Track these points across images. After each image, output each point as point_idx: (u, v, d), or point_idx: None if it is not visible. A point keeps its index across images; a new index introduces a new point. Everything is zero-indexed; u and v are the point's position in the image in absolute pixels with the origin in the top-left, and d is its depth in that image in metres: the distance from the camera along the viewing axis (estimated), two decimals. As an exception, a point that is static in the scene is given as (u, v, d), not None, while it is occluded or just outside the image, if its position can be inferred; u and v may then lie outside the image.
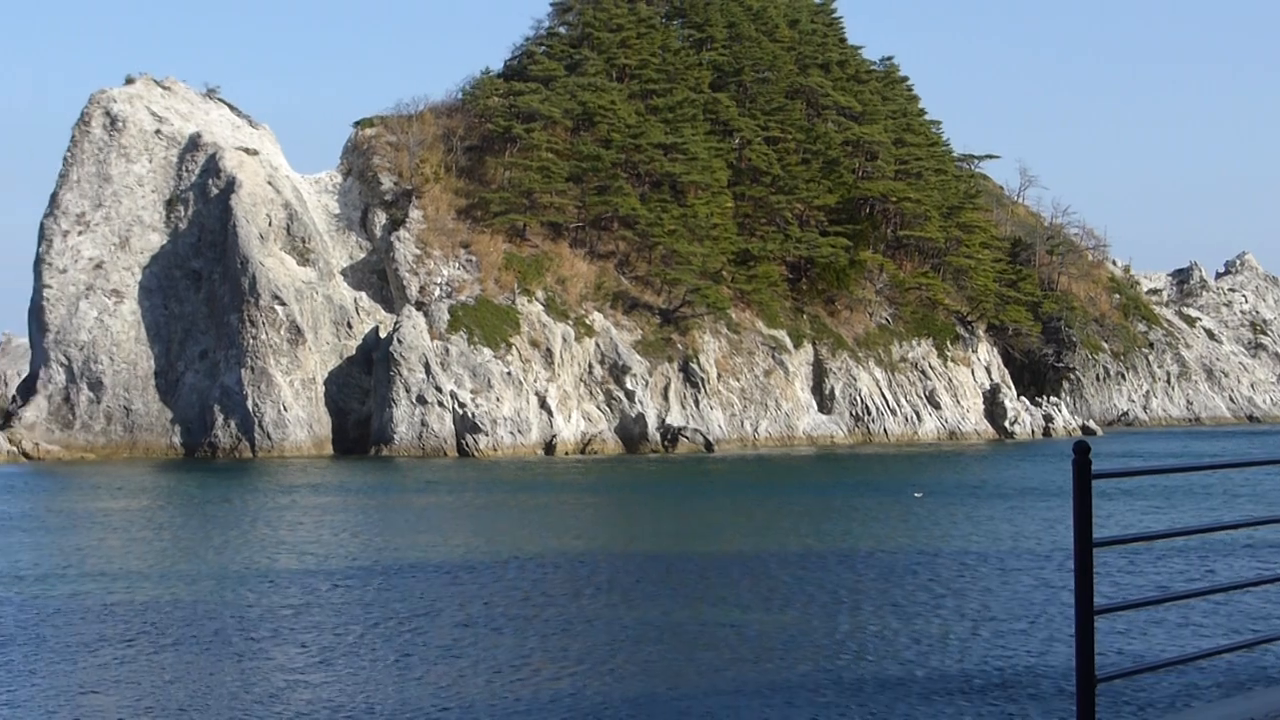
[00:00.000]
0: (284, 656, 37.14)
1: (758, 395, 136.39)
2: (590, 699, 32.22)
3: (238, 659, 36.81)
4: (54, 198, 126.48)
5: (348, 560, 54.71)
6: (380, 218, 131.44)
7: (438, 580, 49.05)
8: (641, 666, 35.51)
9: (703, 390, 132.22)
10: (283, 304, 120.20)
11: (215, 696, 33.10)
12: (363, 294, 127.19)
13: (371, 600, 45.21)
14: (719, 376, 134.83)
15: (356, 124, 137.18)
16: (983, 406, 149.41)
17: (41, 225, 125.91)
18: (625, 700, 32.12)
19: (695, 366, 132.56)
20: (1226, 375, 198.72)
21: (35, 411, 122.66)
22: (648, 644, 38.16)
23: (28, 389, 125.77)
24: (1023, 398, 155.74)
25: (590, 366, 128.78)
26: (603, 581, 48.63)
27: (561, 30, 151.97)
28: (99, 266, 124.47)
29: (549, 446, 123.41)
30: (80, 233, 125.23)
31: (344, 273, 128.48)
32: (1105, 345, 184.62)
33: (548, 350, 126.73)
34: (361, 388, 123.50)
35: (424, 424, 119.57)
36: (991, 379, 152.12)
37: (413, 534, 63.47)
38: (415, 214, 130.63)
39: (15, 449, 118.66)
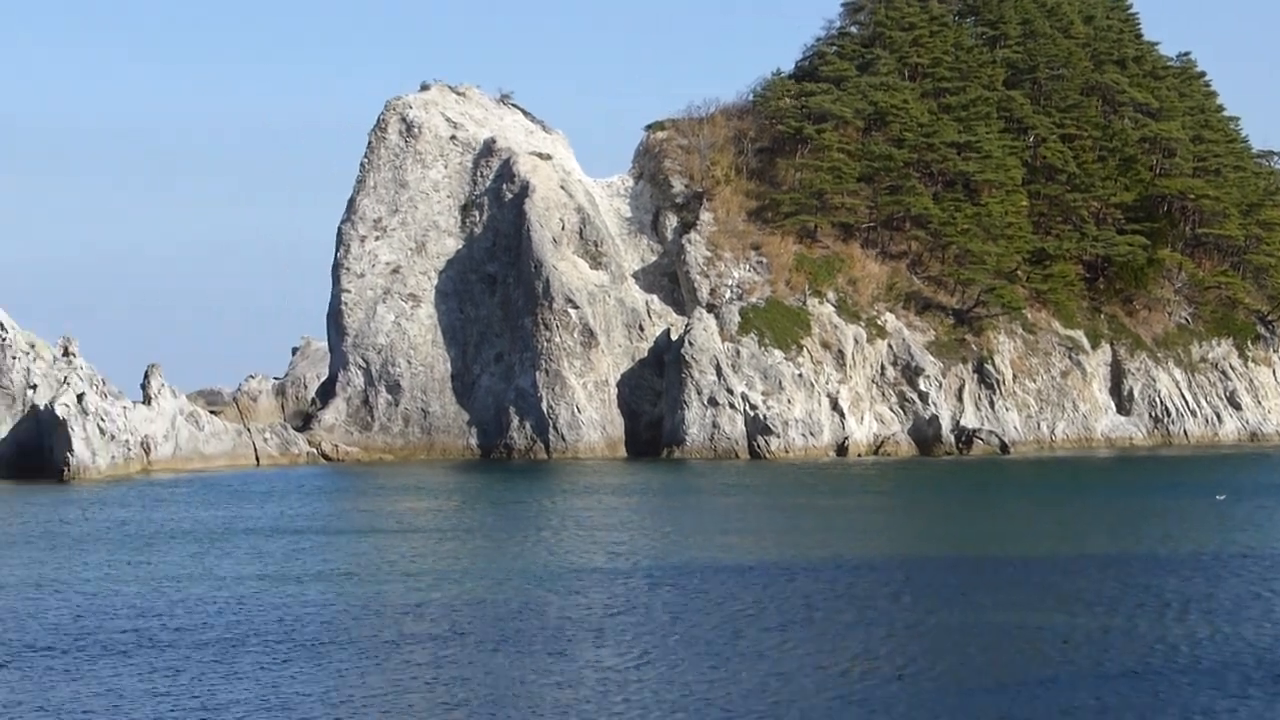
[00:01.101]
0: (603, 657, 36.93)
1: (1054, 396, 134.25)
2: (921, 702, 31.54)
3: (555, 659, 36.67)
4: (351, 204, 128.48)
5: (657, 561, 54.50)
6: (671, 220, 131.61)
7: (750, 582, 48.61)
8: (973, 670, 34.72)
9: (997, 391, 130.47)
10: (576, 307, 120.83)
11: (530, 697, 32.98)
12: (654, 297, 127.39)
13: (686, 602, 44.88)
14: (1014, 377, 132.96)
15: (648, 127, 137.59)
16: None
17: (340, 231, 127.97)
18: (955, 704, 31.38)
19: (990, 367, 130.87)
20: None
21: (334, 414, 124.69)
22: (976, 646, 37.35)
23: (327, 392, 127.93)
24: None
25: (882, 368, 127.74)
26: (919, 584, 47.86)
27: (853, 30, 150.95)
28: (396, 271, 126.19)
29: (841, 448, 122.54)
30: (377, 238, 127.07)
31: (635, 275, 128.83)
32: None
33: (839, 352, 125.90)
34: (653, 390, 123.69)
35: (715, 426, 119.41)
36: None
37: (719, 535, 63.19)
38: (706, 216, 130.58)
39: (315, 451, 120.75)
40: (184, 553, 58.74)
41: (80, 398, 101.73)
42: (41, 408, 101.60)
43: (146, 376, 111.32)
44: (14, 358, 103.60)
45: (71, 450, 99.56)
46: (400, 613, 43.43)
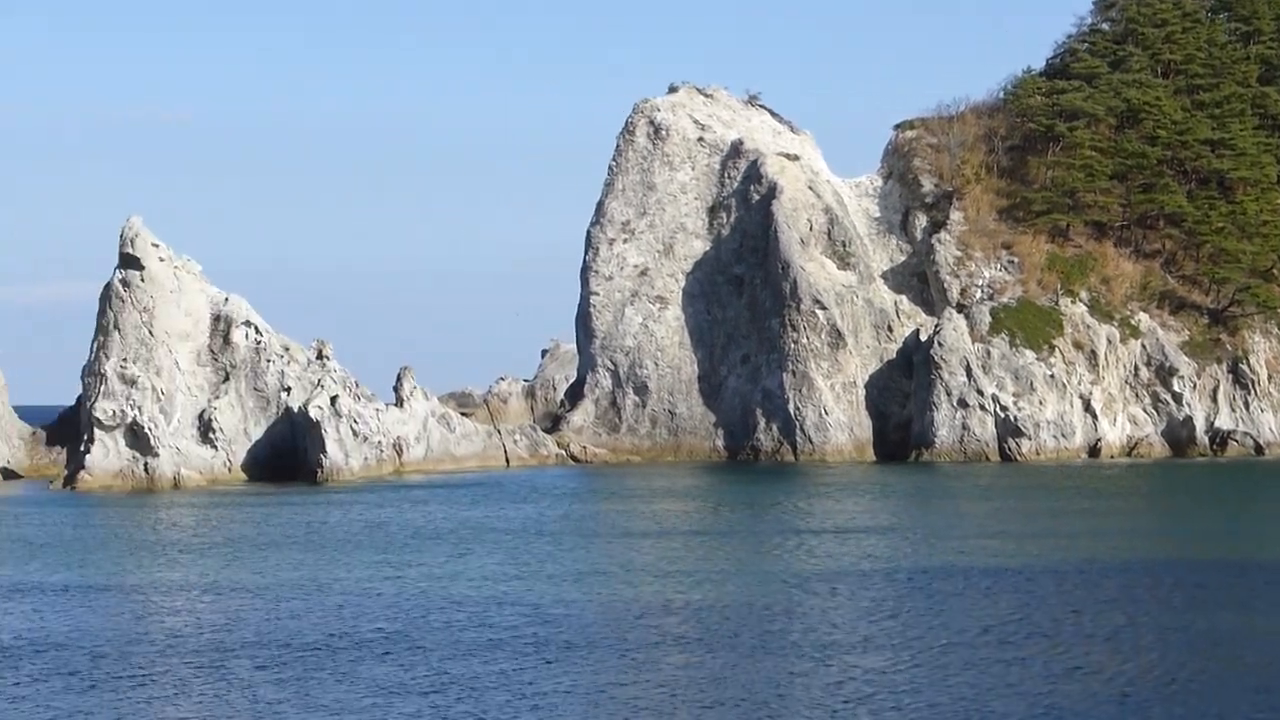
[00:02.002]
0: (866, 661, 36.55)
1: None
2: (1193, 708, 30.81)
3: (817, 663, 36.37)
4: (600, 206, 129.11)
5: (915, 564, 53.95)
6: (921, 220, 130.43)
7: (1010, 585, 47.93)
8: (1248, 676, 33.85)
9: (1253, 392, 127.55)
10: (823, 308, 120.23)
11: (792, 700, 32.69)
12: (903, 297, 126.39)
13: (946, 606, 44.34)
14: (1269, 378, 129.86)
15: (896, 127, 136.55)
16: None
17: (588, 233, 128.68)
18: (1230, 710, 30.62)
19: (1245, 368, 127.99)
20: None
21: (583, 415, 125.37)
22: (1251, 652, 36.45)
23: (575, 394, 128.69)
24: None
25: (1136, 368, 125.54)
26: (1187, 588, 46.85)
27: (1104, 27, 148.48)
28: (644, 273, 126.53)
29: (1093, 450, 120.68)
30: (625, 240, 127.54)
31: (884, 276, 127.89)
32: None
33: (1092, 352, 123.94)
34: (902, 391, 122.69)
35: (965, 428, 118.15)
36: None
37: (975, 538, 62.41)
38: (956, 215, 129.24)
39: (564, 452, 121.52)
40: (442, 553, 59.29)
41: (334, 400, 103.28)
42: (296, 410, 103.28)
43: (399, 379, 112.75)
44: (269, 361, 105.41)
45: (325, 452, 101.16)
46: (658, 614, 43.38)
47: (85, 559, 58.99)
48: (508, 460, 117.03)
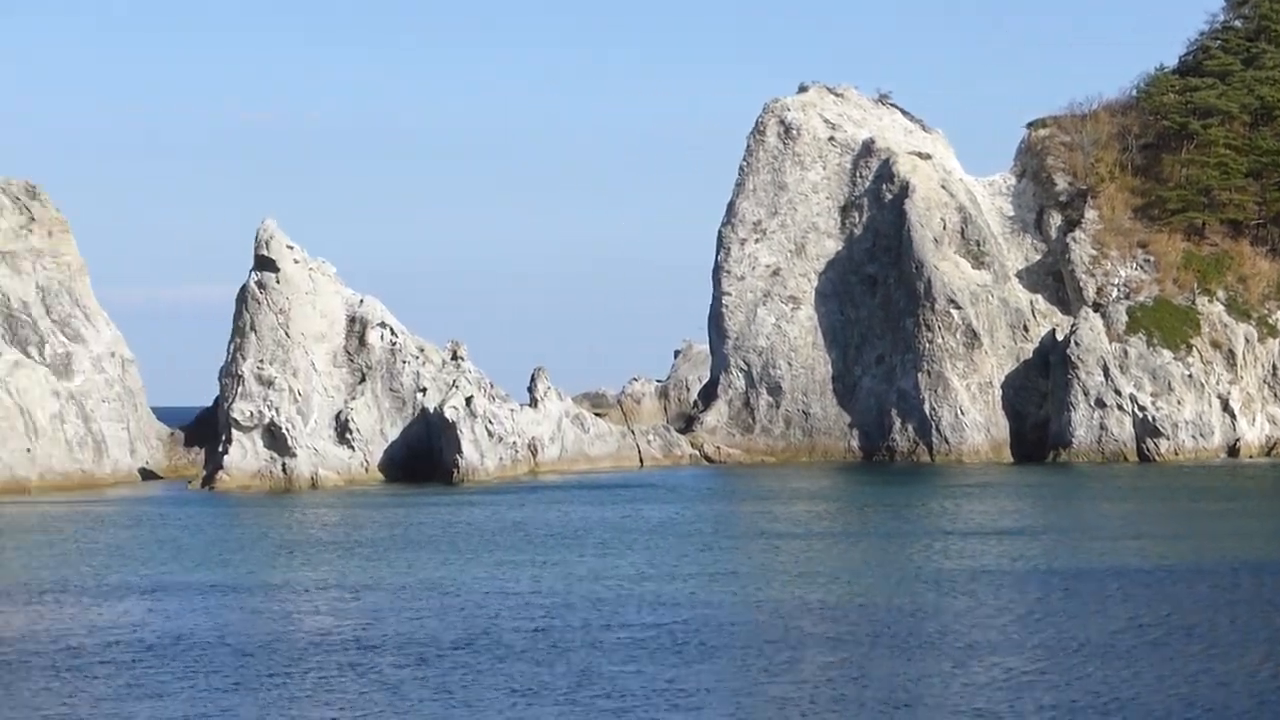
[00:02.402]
0: (1005, 660, 36.28)
1: None
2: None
3: (957, 663, 36.15)
4: (731, 207, 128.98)
5: (1053, 565, 53.53)
6: (1055, 219, 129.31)
7: (1151, 585, 47.45)
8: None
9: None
10: (958, 307, 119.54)
11: (933, 699, 32.49)
12: (1038, 296, 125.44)
13: (1085, 606, 43.95)
14: None
15: (1029, 125, 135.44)
16: None
17: (720, 234, 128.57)
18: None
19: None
20: None
21: (716, 416, 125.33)
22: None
23: (709, 394, 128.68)
24: None
25: (1274, 367, 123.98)
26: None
27: (1237, 24, 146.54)
28: (776, 273, 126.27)
29: (1232, 450, 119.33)
30: (757, 240, 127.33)
31: (1019, 275, 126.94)
32: None
33: (1229, 351, 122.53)
34: (1038, 391, 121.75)
35: (1103, 428, 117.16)
36: None
37: (1114, 539, 61.89)
38: (1090, 214, 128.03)
39: (697, 452, 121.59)
40: (581, 553, 59.42)
41: (469, 401, 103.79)
42: (431, 411, 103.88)
43: (533, 379, 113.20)
44: (404, 362, 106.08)
45: (460, 452, 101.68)
46: (797, 614, 43.26)
47: (227, 559, 59.59)
48: (641, 461, 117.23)
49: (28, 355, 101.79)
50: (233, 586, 51.20)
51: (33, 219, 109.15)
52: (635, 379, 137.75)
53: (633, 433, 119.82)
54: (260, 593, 49.65)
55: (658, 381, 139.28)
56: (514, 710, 32.00)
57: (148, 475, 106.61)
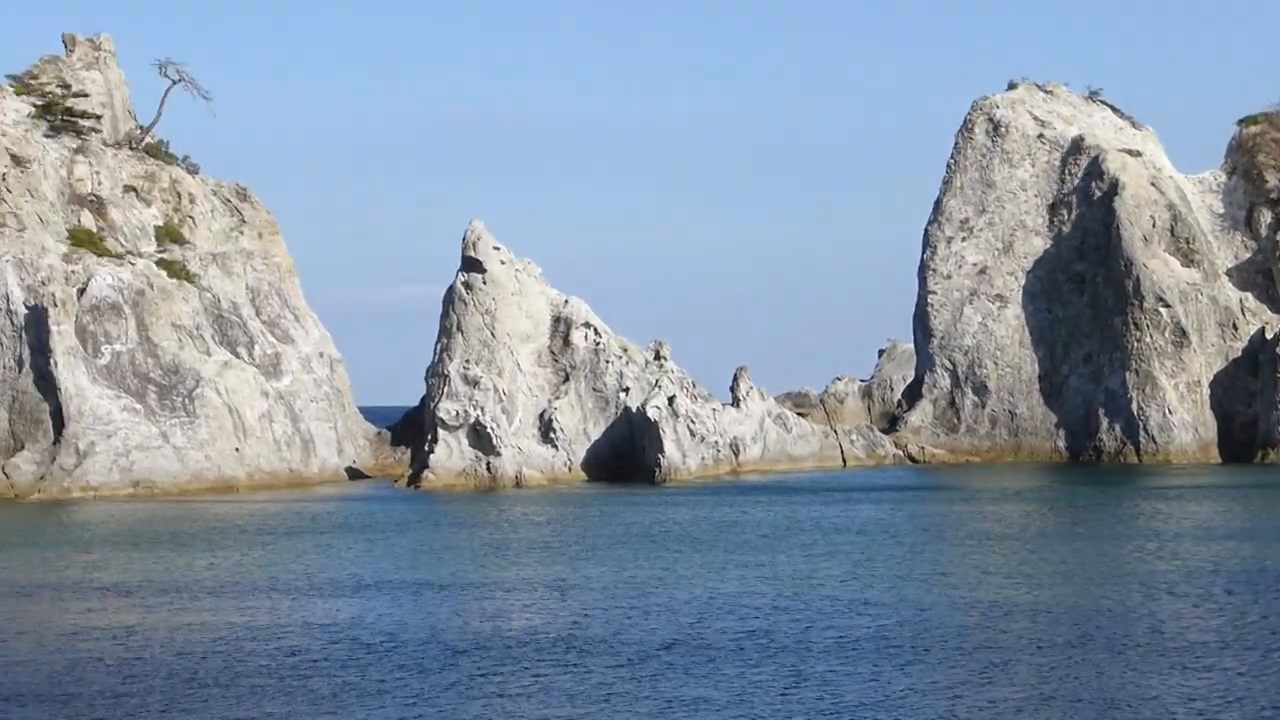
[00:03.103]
0: (1229, 662, 35.55)
1: None
2: None
3: (1176, 665, 35.51)
4: (938, 204, 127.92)
5: (1267, 568, 52.45)
6: (1265, 216, 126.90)
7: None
8: None
9: None
10: (1167, 306, 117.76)
11: (1155, 701, 31.90)
12: (1248, 294, 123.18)
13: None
14: None
15: (1240, 121, 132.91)
16: None
17: (926, 232, 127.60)
18: None
19: None
20: None
21: (920, 416, 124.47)
22: None
23: (913, 394, 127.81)
24: None
25: None
26: None
27: None
28: (983, 272, 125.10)
29: None
30: (964, 239, 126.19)
31: (1229, 273, 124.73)
32: None
33: None
34: (1247, 390, 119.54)
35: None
36: None
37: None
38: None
39: (901, 453, 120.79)
40: (788, 553, 59.16)
41: (671, 400, 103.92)
42: (634, 410, 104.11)
43: (735, 379, 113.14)
44: (607, 362, 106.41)
45: (663, 452, 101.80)
46: (1009, 616, 42.76)
47: (437, 557, 60.04)
48: (844, 461, 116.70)
49: (237, 356, 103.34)
50: (443, 585, 51.51)
51: (243, 221, 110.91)
52: (839, 378, 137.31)
53: (836, 432, 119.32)
54: (470, 591, 49.93)
55: (861, 381, 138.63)
56: (729, 709, 31.86)
57: (354, 474, 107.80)
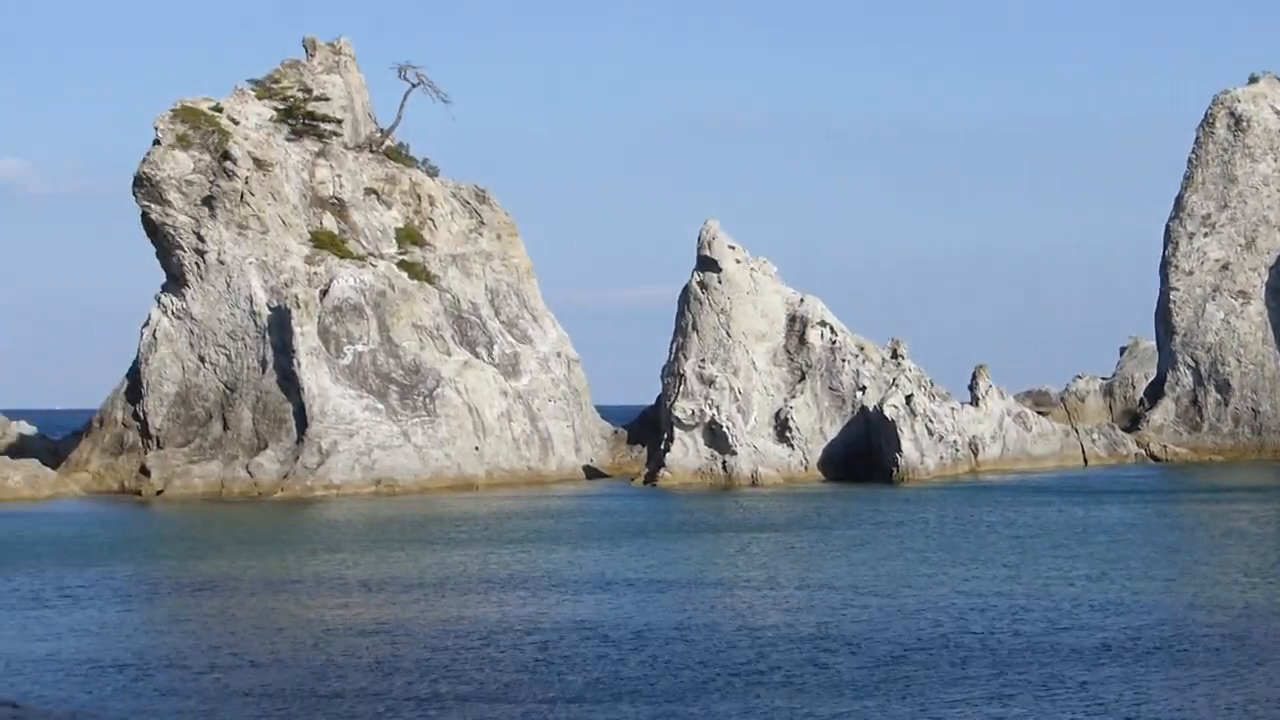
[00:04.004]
0: None
1: None
2: None
3: None
4: (1179, 200, 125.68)
5: None
6: None
7: None
8: None
9: None
10: None
11: None
12: None
13: None
14: None
15: None
16: None
17: (1167, 228, 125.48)
18: None
19: None
20: None
21: (1162, 414, 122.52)
22: None
23: (1155, 392, 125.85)
24: None
25: None
26: None
27: None
28: (1225, 268, 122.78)
29: None
30: (1206, 234, 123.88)
31: None
32: None
33: None
34: None
35: None
36: None
37: None
38: None
39: (1143, 452, 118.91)
40: (1036, 554, 58.30)
41: (909, 399, 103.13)
42: (870, 409, 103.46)
43: (974, 377, 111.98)
44: (844, 360, 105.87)
45: (900, 451, 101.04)
46: (1267, 616, 41.76)
47: (683, 555, 59.95)
48: (1085, 460, 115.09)
49: (476, 356, 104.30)
50: (687, 581, 51.42)
51: (482, 222, 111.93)
52: (1079, 376, 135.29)
53: (1076, 431, 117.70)
54: (716, 589, 49.74)
55: (1102, 379, 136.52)
56: (982, 709, 31.46)
57: (592, 473, 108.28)
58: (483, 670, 36.38)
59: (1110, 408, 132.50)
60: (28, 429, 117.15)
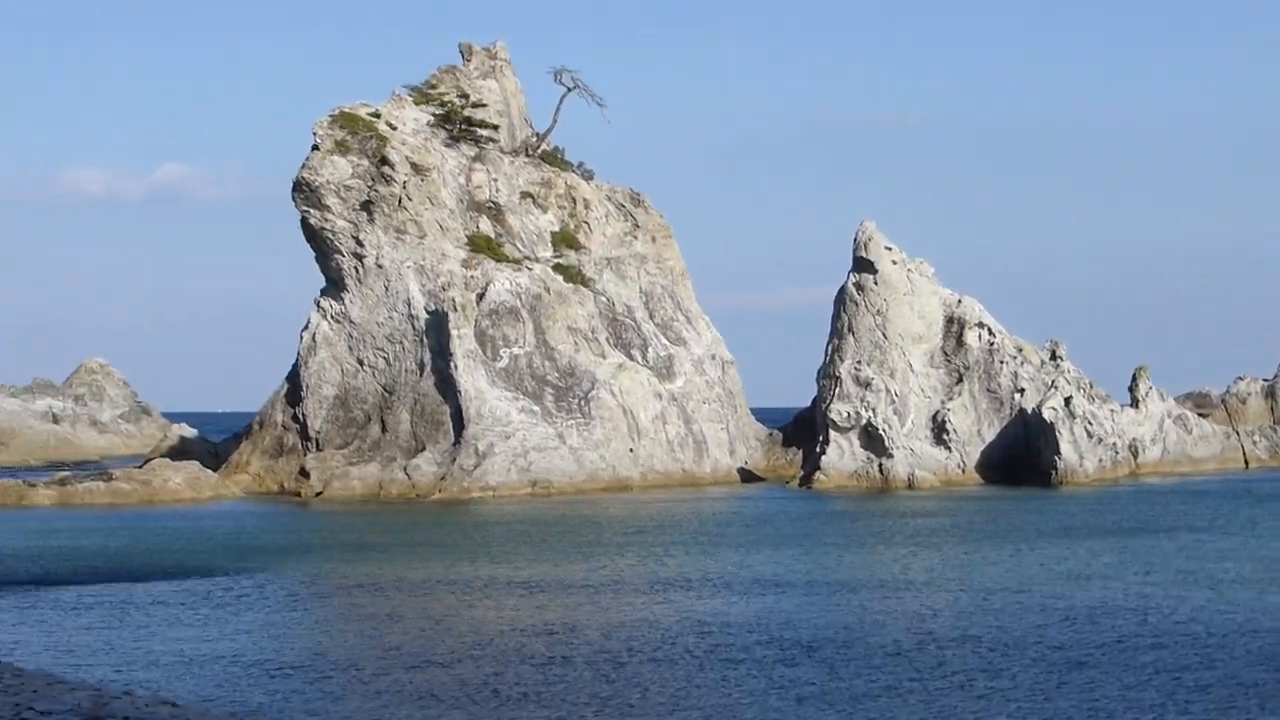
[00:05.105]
0: None
1: None
2: None
3: None
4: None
5: None
6: None
7: None
8: None
9: None
10: None
11: None
12: None
13: None
14: None
15: None
16: None
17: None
18: None
19: None
20: None
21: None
22: None
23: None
24: None
25: None
26: None
27: None
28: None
29: None
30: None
31: None
32: None
33: None
34: None
35: None
36: None
37: None
38: None
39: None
40: (1221, 556, 57.56)
41: (1068, 401, 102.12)
42: (1029, 411, 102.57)
43: (1134, 379, 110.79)
44: (1002, 362, 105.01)
45: (1059, 453, 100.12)
46: None
47: (849, 557, 59.59)
48: (1246, 462, 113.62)
49: (631, 358, 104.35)
50: (850, 583, 51.10)
51: (637, 226, 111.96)
52: (1241, 378, 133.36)
53: (1238, 433, 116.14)
54: (882, 591, 49.40)
55: (1264, 380, 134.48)
56: (1152, 712, 31.07)
57: (746, 475, 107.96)
58: (659, 670, 36.27)
59: (1272, 409, 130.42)
60: (189, 431, 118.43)
